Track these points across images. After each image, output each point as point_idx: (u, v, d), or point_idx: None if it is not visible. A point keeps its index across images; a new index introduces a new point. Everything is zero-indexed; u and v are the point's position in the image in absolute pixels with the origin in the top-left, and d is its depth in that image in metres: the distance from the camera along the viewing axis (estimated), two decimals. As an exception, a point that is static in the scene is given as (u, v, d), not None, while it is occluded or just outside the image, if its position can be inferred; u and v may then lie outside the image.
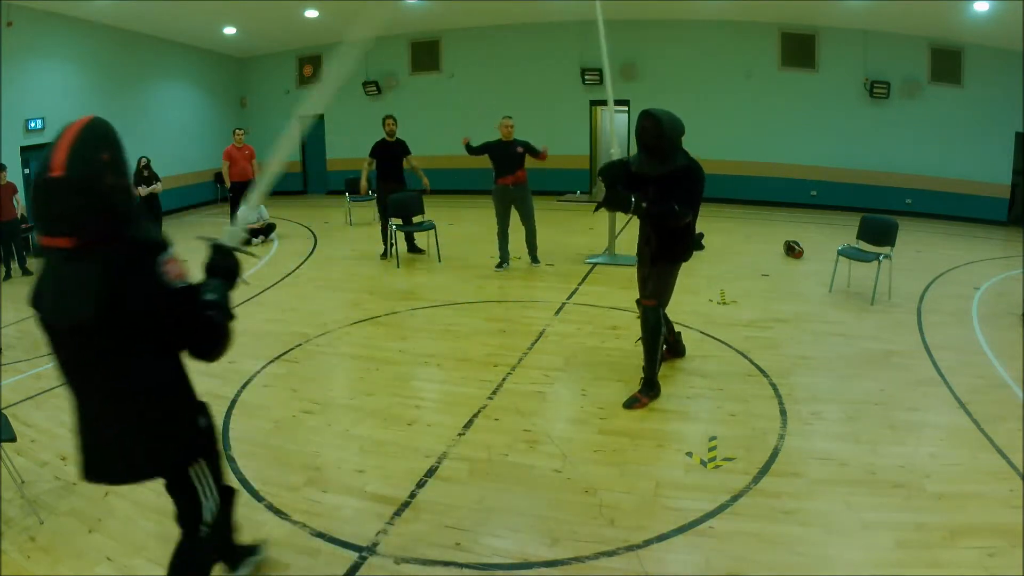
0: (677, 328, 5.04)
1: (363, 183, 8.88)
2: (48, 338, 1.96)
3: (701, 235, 8.77)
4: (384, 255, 8.49)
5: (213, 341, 2.05)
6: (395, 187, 8.49)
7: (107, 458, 2.10)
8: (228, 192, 10.50)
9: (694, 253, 4.48)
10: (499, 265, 7.90)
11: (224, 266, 2.13)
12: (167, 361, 2.08)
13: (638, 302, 4.47)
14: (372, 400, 4.48)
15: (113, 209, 1.88)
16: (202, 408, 2.24)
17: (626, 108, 13.26)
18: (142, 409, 2.03)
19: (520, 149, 7.49)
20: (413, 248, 8.80)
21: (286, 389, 4.72)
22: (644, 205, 3.94)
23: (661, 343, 4.32)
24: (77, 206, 1.82)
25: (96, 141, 1.88)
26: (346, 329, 5.95)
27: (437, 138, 12.79)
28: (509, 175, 7.50)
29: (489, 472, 3.56)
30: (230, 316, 2.08)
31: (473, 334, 5.71)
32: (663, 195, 3.96)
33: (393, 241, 8.33)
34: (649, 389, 4.36)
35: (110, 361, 1.94)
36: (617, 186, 4.08)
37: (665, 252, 4.25)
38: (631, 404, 4.27)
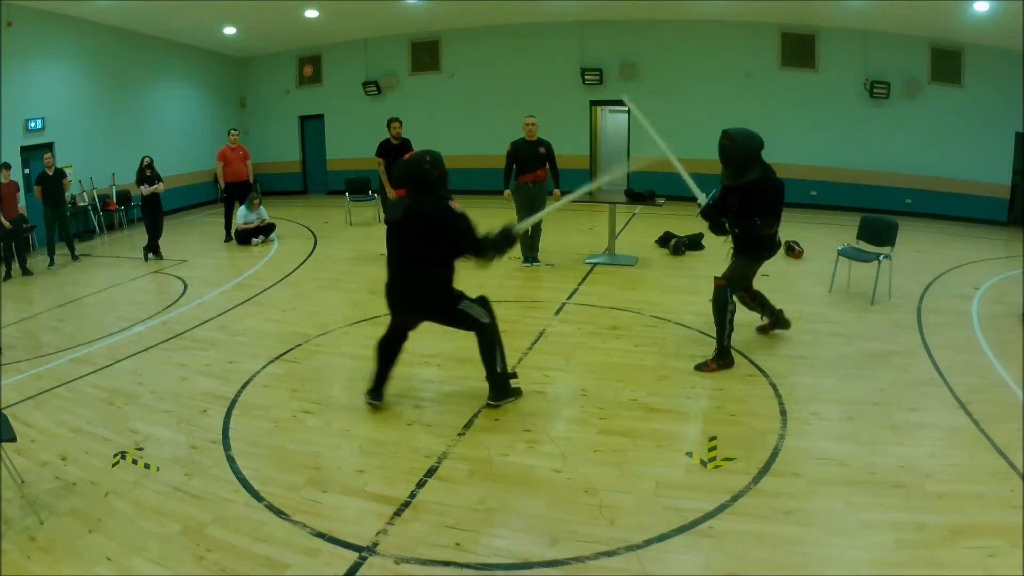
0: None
1: (387, 185, 8.21)
2: None
3: (701, 235, 8.77)
4: None
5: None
6: None
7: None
8: (223, 193, 10.49)
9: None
10: (526, 261, 7.99)
11: (505, 240, 3.92)
12: None
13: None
14: (372, 400, 4.48)
15: None
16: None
17: (626, 108, 13.28)
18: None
19: (543, 150, 7.62)
20: None
21: (286, 389, 4.72)
22: (734, 226, 4.77)
23: (728, 318, 4.80)
24: None
25: None
26: (346, 329, 5.95)
27: (437, 138, 12.77)
28: (530, 173, 7.64)
29: (489, 472, 3.56)
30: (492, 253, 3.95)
31: (473, 334, 5.70)
32: (744, 203, 4.68)
33: None
34: (720, 357, 4.82)
35: None
36: (714, 217, 4.91)
37: (744, 248, 4.90)
38: (701, 367, 4.81)
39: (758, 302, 5.35)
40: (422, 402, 4.51)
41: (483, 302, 4.24)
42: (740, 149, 4.64)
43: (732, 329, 4.83)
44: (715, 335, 4.86)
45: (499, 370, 4.22)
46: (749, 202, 4.67)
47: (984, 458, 3.59)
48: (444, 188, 3.97)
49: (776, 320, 5.50)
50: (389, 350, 4.31)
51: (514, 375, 4.46)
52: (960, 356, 5.06)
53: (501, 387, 4.28)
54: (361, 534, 3.04)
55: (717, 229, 4.98)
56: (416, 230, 3.89)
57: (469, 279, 7.56)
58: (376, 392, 4.31)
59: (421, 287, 4.01)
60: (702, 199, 4.97)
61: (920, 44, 11.06)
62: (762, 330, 5.55)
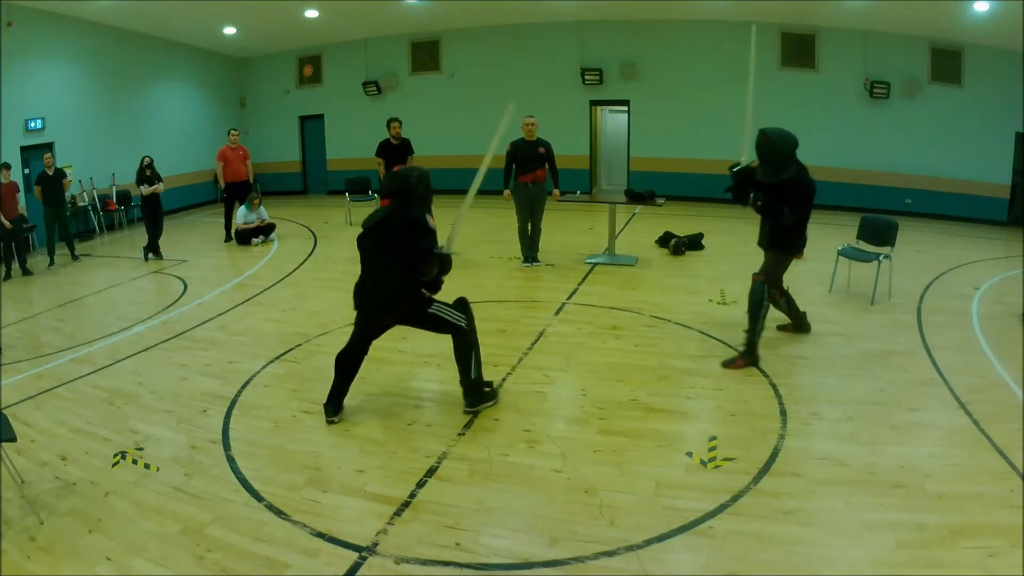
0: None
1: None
2: None
3: (701, 235, 8.78)
4: None
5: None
6: None
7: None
8: (223, 193, 10.50)
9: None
10: (526, 261, 7.99)
11: (442, 260, 3.94)
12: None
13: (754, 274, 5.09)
14: (372, 400, 4.48)
15: None
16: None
17: (626, 108, 13.27)
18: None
19: (542, 150, 7.62)
20: None
21: (286, 389, 4.73)
22: (759, 204, 4.85)
23: (763, 313, 4.85)
24: None
25: None
26: (346, 329, 5.91)
27: (437, 138, 12.79)
28: (529, 173, 7.65)
29: (489, 472, 3.56)
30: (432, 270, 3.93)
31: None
32: (775, 198, 4.78)
33: None
34: (748, 354, 4.82)
35: None
36: (743, 184, 4.97)
37: (776, 242, 5.00)
38: (729, 363, 4.81)
39: (786, 301, 5.40)
40: (422, 402, 4.51)
41: (461, 305, 4.21)
42: (775, 148, 4.74)
43: (763, 328, 4.87)
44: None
45: (473, 376, 4.16)
46: (781, 200, 4.76)
47: (984, 458, 3.59)
48: (427, 206, 4.02)
49: (799, 323, 5.53)
50: (349, 365, 4.24)
51: (489, 383, 4.40)
52: (960, 356, 5.06)
53: (476, 393, 4.22)
54: (361, 534, 3.04)
55: (739, 193, 5.01)
56: (393, 235, 3.92)
57: (469, 279, 7.64)
58: (334, 407, 4.20)
59: (392, 288, 4.01)
60: (744, 160, 5.02)
61: (920, 44, 11.06)
62: (783, 328, 5.58)
